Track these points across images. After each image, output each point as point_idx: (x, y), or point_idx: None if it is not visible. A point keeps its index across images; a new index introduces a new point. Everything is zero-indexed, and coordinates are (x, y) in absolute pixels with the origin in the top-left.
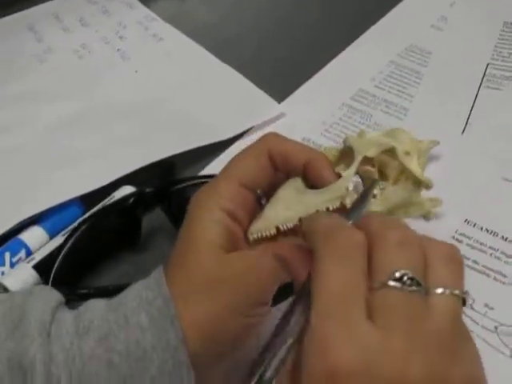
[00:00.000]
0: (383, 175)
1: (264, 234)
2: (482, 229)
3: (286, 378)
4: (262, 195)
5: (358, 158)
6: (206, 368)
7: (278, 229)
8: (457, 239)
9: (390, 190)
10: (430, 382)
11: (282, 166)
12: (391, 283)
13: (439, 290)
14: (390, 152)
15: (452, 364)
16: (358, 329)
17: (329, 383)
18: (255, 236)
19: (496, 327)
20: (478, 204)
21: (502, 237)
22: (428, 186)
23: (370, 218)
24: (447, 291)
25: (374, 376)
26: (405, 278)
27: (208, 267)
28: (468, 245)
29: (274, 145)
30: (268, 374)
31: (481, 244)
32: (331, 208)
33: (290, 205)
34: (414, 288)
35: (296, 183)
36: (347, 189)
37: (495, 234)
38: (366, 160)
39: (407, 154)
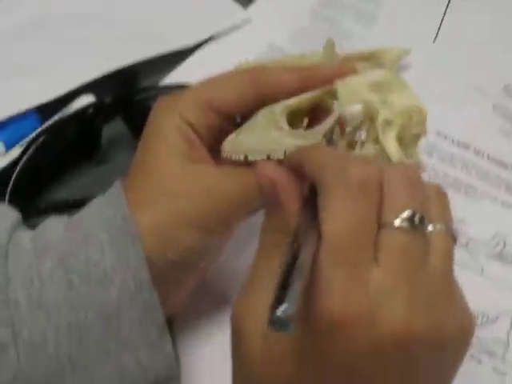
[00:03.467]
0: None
1: (233, 158)
2: (453, 141)
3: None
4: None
5: (337, 111)
6: (165, 281)
7: (246, 157)
8: (428, 152)
9: (369, 148)
10: (428, 331)
11: (273, 92)
12: (400, 223)
13: (438, 227)
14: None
15: (448, 312)
16: (366, 274)
17: (336, 329)
18: (225, 155)
19: (467, 243)
20: (449, 115)
21: (474, 149)
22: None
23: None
24: (443, 227)
25: (378, 322)
26: (416, 217)
27: (169, 173)
28: (439, 157)
29: (259, 72)
30: (284, 310)
31: (452, 156)
32: None
33: (262, 136)
34: (422, 228)
35: (273, 115)
36: (323, 139)
37: (467, 146)
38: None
39: (388, 123)
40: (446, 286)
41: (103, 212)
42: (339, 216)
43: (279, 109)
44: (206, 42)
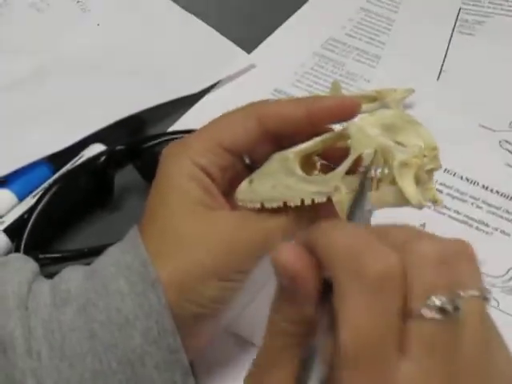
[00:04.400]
0: (386, 164)
1: (249, 206)
2: (462, 178)
3: None
4: (251, 161)
5: (353, 156)
6: (186, 329)
7: (262, 205)
8: (437, 189)
9: (385, 189)
10: None
11: (278, 126)
12: (430, 314)
13: (469, 293)
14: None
15: None
16: (393, 374)
17: None
18: (240, 204)
19: None
20: (456, 153)
21: (483, 186)
22: (419, 207)
23: (393, 228)
24: (475, 293)
25: None
26: (447, 305)
27: (185, 224)
28: (449, 194)
29: (263, 106)
30: None
31: (462, 194)
32: (316, 201)
33: (276, 184)
34: (454, 316)
35: (286, 161)
36: (336, 188)
37: (475, 183)
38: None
39: (404, 165)
40: (483, 368)
41: (121, 258)
42: (356, 322)
43: (292, 154)
44: (211, 87)
